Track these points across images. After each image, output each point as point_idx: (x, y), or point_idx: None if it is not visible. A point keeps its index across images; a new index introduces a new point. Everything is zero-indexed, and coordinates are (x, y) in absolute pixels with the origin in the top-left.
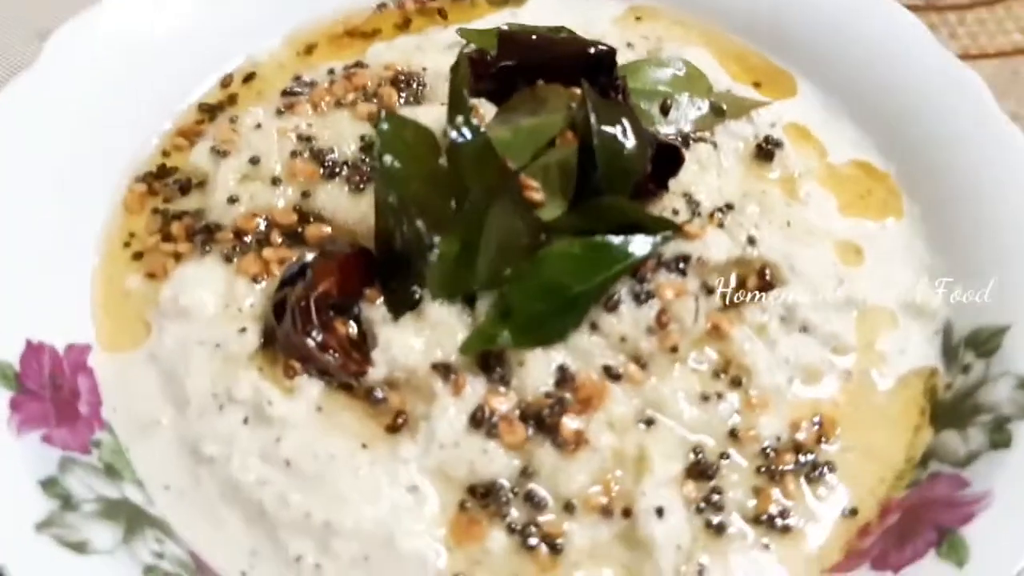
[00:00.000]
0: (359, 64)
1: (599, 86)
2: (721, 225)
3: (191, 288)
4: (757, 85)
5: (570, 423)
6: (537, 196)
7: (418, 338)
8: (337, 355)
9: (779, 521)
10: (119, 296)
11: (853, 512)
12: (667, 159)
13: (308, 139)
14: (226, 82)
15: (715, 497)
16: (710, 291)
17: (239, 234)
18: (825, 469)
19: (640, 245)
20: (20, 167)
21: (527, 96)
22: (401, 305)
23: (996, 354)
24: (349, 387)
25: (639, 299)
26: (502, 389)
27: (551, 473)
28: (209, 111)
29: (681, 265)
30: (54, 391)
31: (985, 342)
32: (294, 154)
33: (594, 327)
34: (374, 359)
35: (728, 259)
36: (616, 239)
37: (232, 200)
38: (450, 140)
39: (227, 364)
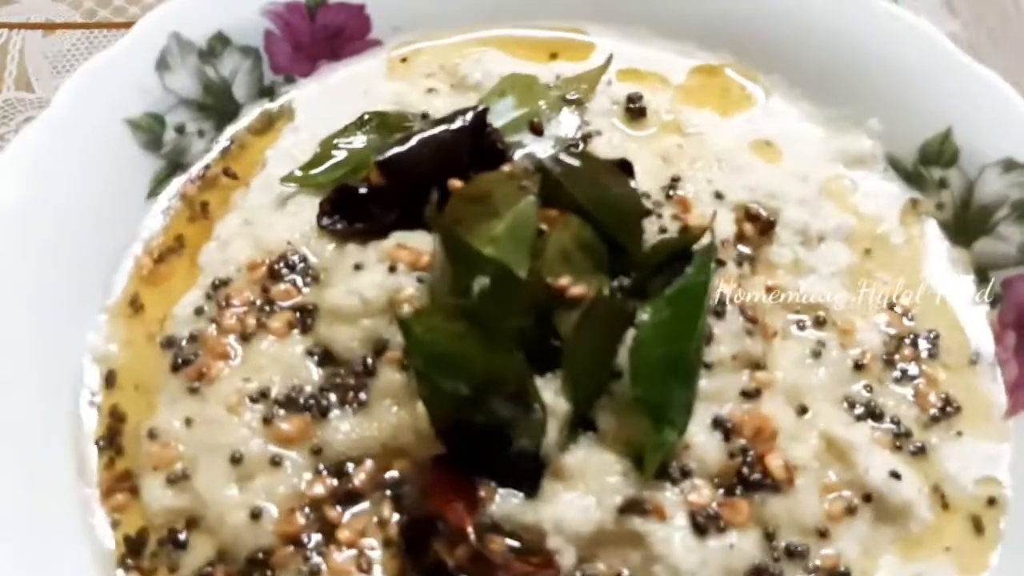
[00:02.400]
0: (220, 284)
1: (483, 149)
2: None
3: None
4: (555, 56)
5: (773, 460)
6: (576, 290)
7: (580, 496)
8: (529, 569)
9: (948, 407)
10: None
11: (975, 358)
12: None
13: (263, 394)
14: (93, 400)
15: (899, 428)
16: (739, 263)
17: (293, 541)
18: (926, 338)
19: (700, 272)
20: None
21: (462, 206)
22: (529, 480)
23: (958, 156)
24: None
25: (719, 314)
26: (689, 483)
27: (789, 519)
28: (108, 443)
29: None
30: None
31: (939, 152)
32: (267, 421)
33: (706, 366)
34: (555, 547)
35: (727, 230)
36: (681, 280)
37: (256, 515)
38: (456, 304)
39: None
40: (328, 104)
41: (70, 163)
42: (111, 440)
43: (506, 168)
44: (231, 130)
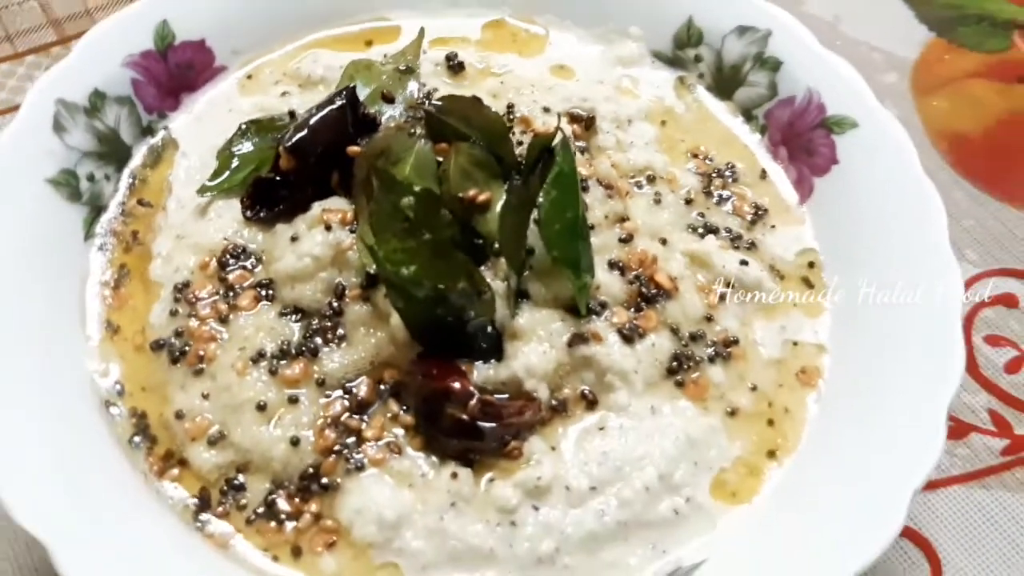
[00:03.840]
0: (181, 287)
1: (361, 120)
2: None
3: (377, 508)
4: (370, 43)
5: (660, 277)
6: (483, 196)
7: (536, 347)
8: (525, 410)
9: (759, 211)
10: None
11: (763, 173)
12: None
13: (261, 355)
14: (114, 410)
15: (731, 234)
16: (581, 152)
17: (332, 452)
18: (727, 169)
19: (565, 158)
20: None
21: (368, 163)
22: (493, 348)
23: (702, 36)
24: (544, 421)
25: (585, 189)
26: (608, 311)
27: (684, 316)
28: (143, 438)
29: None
30: None
31: (688, 37)
32: (272, 372)
33: (590, 228)
34: (531, 388)
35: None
36: (555, 168)
37: (295, 442)
38: (405, 227)
39: (474, 502)
40: (201, 128)
41: (13, 224)
42: (143, 433)
43: (384, 121)
44: (130, 168)
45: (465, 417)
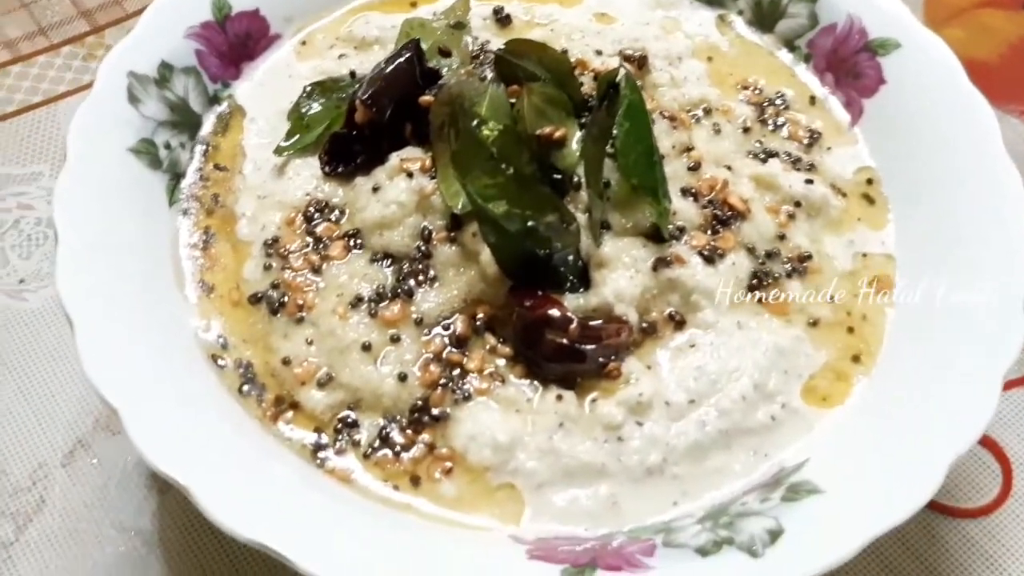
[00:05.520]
0: (271, 243)
1: (426, 73)
2: None
3: (490, 432)
4: (414, 5)
5: (733, 200)
6: (559, 133)
7: (623, 273)
8: (622, 331)
9: (813, 135)
10: (461, 506)
11: (812, 99)
12: None
13: (359, 299)
14: (221, 364)
15: (791, 157)
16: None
17: (438, 385)
18: (778, 97)
19: (633, 92)
20: None
21: (443, 110)
22: (580, 278)
23: None
24: (637, 343)
25: (652, 122)
26: (687, 235)
27: (758, 235)
28: (251, 387)
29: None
30: (587, 555)
31: None
32: (372, 315)
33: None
34: (621, 312)
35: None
36: (625, 100)
37: (403, 377)
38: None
39: (581, 421)
40: (265, 94)
41: (105, 194)
42: (252, 382)
43: (462, 71)
44: (201, 136)
45: (566, 341)
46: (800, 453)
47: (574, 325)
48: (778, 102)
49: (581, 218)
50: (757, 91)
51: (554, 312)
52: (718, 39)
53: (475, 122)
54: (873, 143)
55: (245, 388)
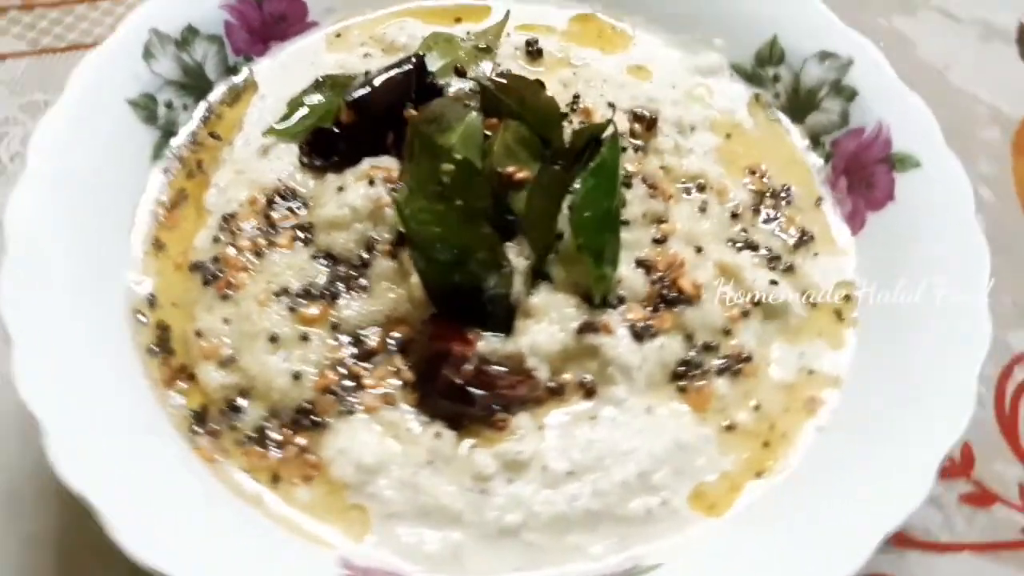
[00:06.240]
0: (228, 218)
1: (425, 88)
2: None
3: (359, 450)
4: (459, 20)
5: (684, 282)
6: (521, 175)
7: (546, 327)
8: (519, 385)
9: (804, 237)
10: (308, 514)
11: (819, 200)
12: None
13: (285, 291)
14: (142, 319)
15: (771, 254)
16: (635, 150)
17: (330, 391)
18: (782, 190)
19: (611, 151)
20: None
21: (421, 126)
22: (505, 322)
23: (784, 55)
24: (538, 400)
25: (628, 185)
26: (624, 306)
27: (702, 324)
28: (161, 348)
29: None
30: None
31: (770, 55)
32: (292, 309)
33: (624, 223)
34: (532, 366)
35: (621, 127)
36: (599, 158)
37: (297, 376)
38: (435, 189)
39: (452, 464)
40: (283, 75)
41: (89, 136)
42: (162, 345)
43: (450, 93)
44: (208, 102)
45: (458, 381)
46: (663, 554)
47: (470, 367)
48: (781, 195)
49: (523, 263)
50: (764, 179)
51: (456, 348)
52: (744, 118)
53: (435, 149)
54: (864, 260)
55: (155, 348)
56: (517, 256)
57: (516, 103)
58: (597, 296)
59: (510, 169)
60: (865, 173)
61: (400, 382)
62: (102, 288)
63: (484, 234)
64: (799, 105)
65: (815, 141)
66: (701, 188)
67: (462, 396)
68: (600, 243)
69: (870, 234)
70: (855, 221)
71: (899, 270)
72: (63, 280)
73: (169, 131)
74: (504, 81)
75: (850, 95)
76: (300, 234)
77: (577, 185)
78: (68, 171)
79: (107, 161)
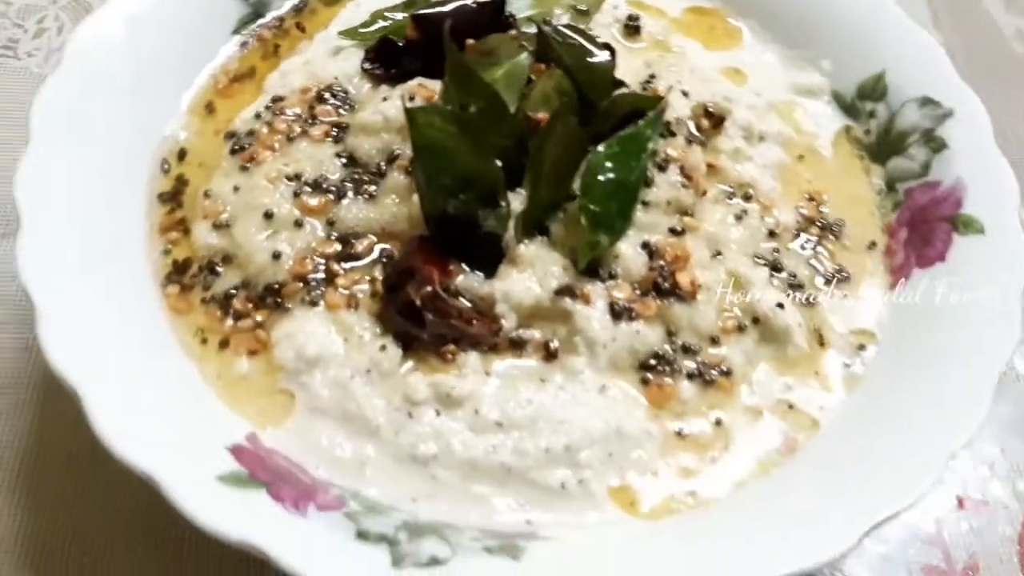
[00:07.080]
0: (277, 99)
1: (498, 26)
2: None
3: (305, 340)
4: None
5: (683, 277)
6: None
7: (527, 279)
8: (477, 324)
9: (840, 275)
10: (240, 385)
11: (872, 244)
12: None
13: (297, 176)
14: (166, 168)
15: (794, 280)
16: (689, 141)
17: (302, 279)
18: (834, 223)
19: (648, 126)
20: None
21: (473, 56)
22: (489, 263)
23: (887, 93)
24: (495, 346)
25: (662, 168)
26: (614, 282)
27: (689, 324)
28: (171, 198)
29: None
30: (278, 476)
31: (873, 89)
32: (296, 195)
33: (644, 204)
34: (500, 313)
35: (684, 114)
36: (632, 128)
37: (276, 256)
38: (454, 110)
39: (388, 379)
40: None
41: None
42: (173, 196)
43: (512, 32)
44: None
45: (416, 300)
46: (558, 529)
47: (429, 289)
48: (833, 228)
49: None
50: (820, 208)
51: (426, 269)
52: (825, 145)
53: (470, 80)
54: (891, 316)
55: (165, 196)
56: (521, 204)
57: (568, 55)
58: (582, 261)
59: (539, 115)
60: (927, 228)
61: (370, 290)
62: (136, 137)
63: (490, 167)
64: (886, 146)
65: (890, 186)
66: (747, 197)
67: (414, 316)
68: (604, 209)
69: (910, 291)
70: (899, 275)
71: (925, 337)
72: (104, 118)
73: (258, 11)
74: (567, 32)
75: (939, 147)
76: (334, 131)
77: (600, 148)
78: (151, 21)
79: (188, 25)
